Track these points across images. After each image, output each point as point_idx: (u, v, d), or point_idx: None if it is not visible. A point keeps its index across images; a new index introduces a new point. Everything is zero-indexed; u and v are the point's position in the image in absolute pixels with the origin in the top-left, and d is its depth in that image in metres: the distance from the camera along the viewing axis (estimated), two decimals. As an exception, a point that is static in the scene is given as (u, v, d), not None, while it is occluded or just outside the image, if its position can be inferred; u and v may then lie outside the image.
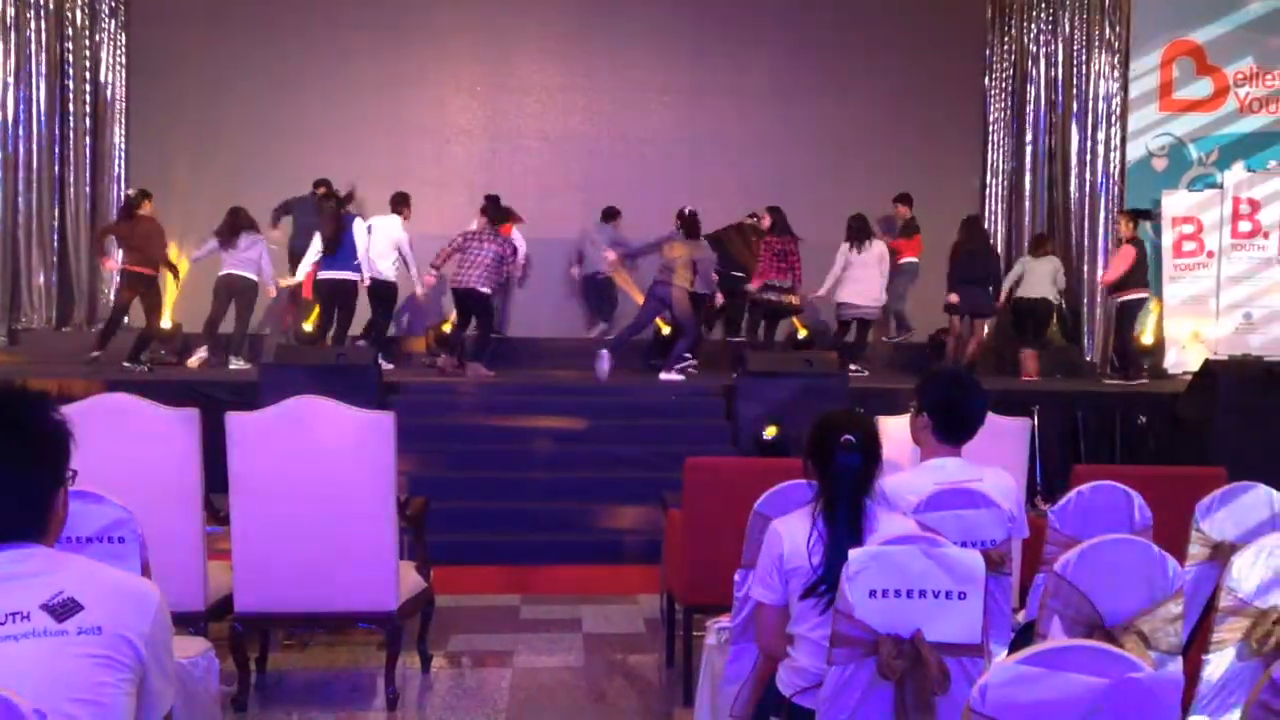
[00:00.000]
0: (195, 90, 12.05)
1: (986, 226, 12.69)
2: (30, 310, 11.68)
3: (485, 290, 9.81)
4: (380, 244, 9.96)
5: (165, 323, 10.55)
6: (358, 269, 9.71)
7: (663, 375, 9.72)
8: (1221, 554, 3.43)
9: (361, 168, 12.18)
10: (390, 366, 10.10)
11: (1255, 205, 12.01)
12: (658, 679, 5.12)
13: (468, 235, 9.95)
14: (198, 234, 10.88)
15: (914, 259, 11.59)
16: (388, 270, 10.00)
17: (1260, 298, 11.96)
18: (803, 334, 11.38)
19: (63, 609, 1.77)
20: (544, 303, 11.97)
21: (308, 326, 10.49)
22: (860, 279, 10.55)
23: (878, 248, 10.65)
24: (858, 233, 10.57)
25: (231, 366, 9.95)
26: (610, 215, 11.48)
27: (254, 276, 10.07)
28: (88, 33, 11.86)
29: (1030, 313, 10.98)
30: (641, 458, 8.11)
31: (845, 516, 2.82)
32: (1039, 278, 10.89)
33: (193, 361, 10.04)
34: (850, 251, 10.51)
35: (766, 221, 10.57)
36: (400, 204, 10.25)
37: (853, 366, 10.35)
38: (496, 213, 10.21)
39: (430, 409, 8.84)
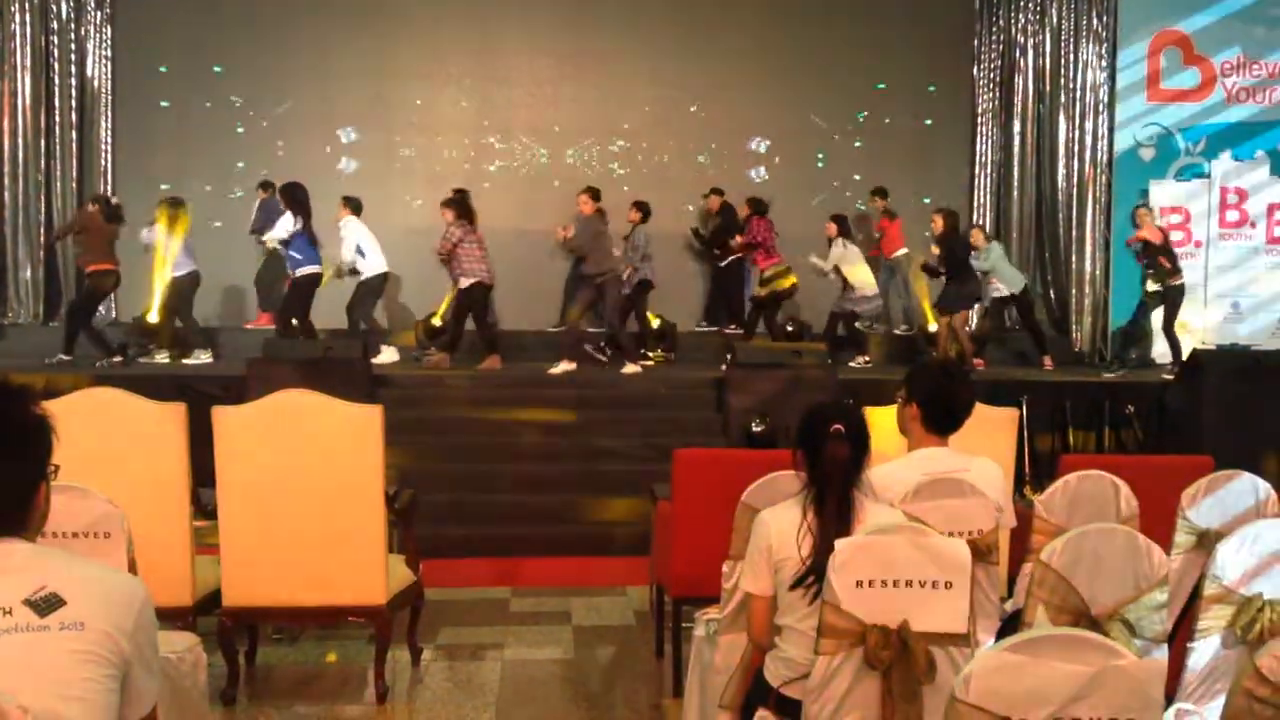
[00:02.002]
0: (181, 83, 12.00)
1: (974, 218, 12.78)
2: (17, 304, 11.63)
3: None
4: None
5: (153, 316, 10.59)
6: (294, 265, 9.74)
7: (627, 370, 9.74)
8: (1207, 542, 3.44)
9: (347, 159, 12.20)
10: (395, 358, 10.13)
11: (1243, 195, 12.03)
12: (647, 670, 5.13)
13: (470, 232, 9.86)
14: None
15: (904, 251, 11.69)
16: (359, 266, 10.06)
17: (1248, 287, 12.00)
18: (791, 327, 11.42)
19: (45, 604, 1.76)
20: (533, 295, 11.96)
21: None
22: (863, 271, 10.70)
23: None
24: (849, 230, 10.75)
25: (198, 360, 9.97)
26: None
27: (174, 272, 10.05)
28: (73, 25, 11.79)
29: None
30: (630, 450, 8.12)
31: (834, 507, 2.83)
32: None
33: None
34: (847, 247, 10.62)
35: (747, 210, 10.62)
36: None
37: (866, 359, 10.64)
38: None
39: (419, 402, 8.83)
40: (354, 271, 10.00)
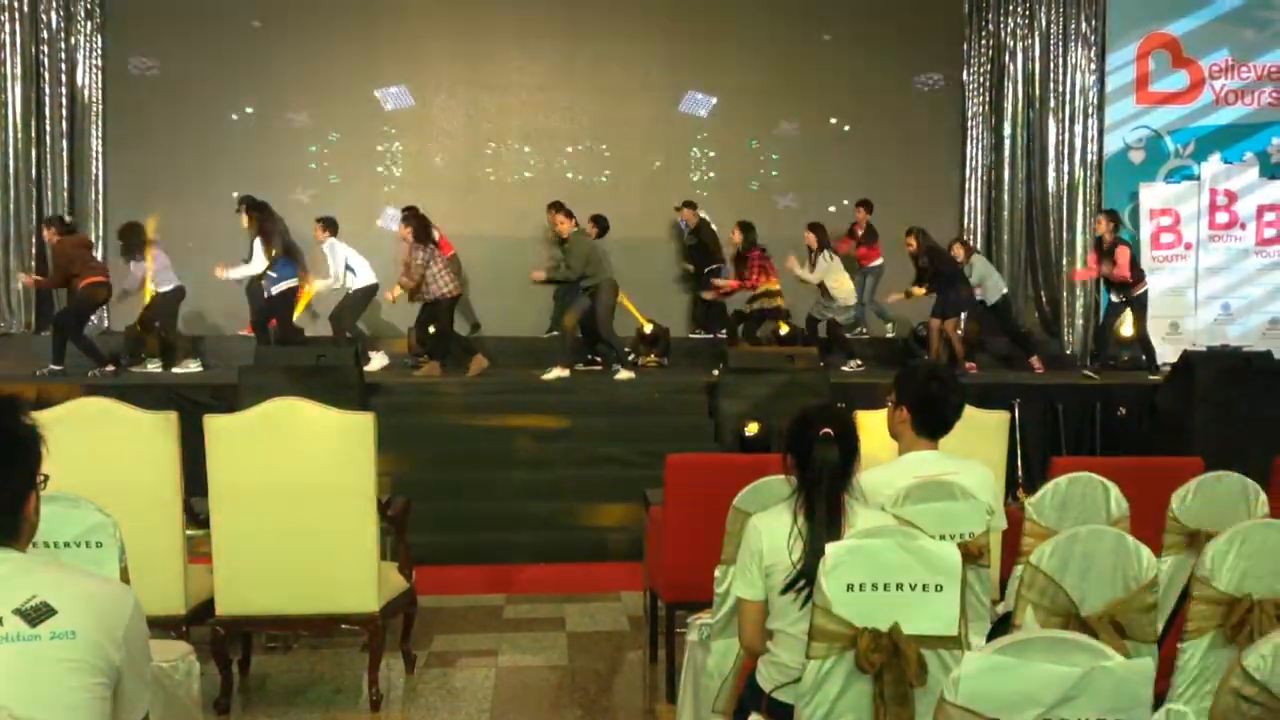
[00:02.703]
0: (171, 92, 11.99)
1: (965, 221, 12.82)
2: (9, 314, 11.62)
3: None
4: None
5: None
6: (271, 284, 9.86)
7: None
8: (1197, 543, 3.45)
9: (341, 170, 12.20)
10: (385, 363, 10.16)
11: (1232, 197, 12.08)
12: (641, 676, 5.13)
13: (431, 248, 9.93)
14: (173, 236, 10.84)
15: (880, 261, 11.79)
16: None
17: (1238, 289, 12.05)
18: (784, 330, 11.42)
19: (36, 614, 1.76)
20: (524, 302, 11.96)
21: None
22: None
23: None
24: (828, 240, 10.81)
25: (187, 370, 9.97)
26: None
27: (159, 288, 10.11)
28: (63, 35, 11.78)
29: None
30: (623, 455, 8.11)
31: (824, 511, 2.83)
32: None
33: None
34: (832, 259, 10.63)
35: (737, 236, 10.68)
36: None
37: (858, 363, 10.69)
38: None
39: (412, 409, 8.82)
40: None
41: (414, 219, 9.91)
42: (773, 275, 10.58)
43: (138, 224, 10.12)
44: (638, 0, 12.58)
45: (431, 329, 10.26)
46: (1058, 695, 1.88)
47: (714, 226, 11.62)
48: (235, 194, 10.61)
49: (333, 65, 12.20)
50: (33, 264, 11.62)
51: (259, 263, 9.82)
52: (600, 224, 11.06)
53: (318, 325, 10.32)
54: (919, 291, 10.74)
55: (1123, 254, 10.26)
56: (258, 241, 9.79)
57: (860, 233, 12.00)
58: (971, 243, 11.78)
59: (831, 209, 12.46)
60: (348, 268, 9.99)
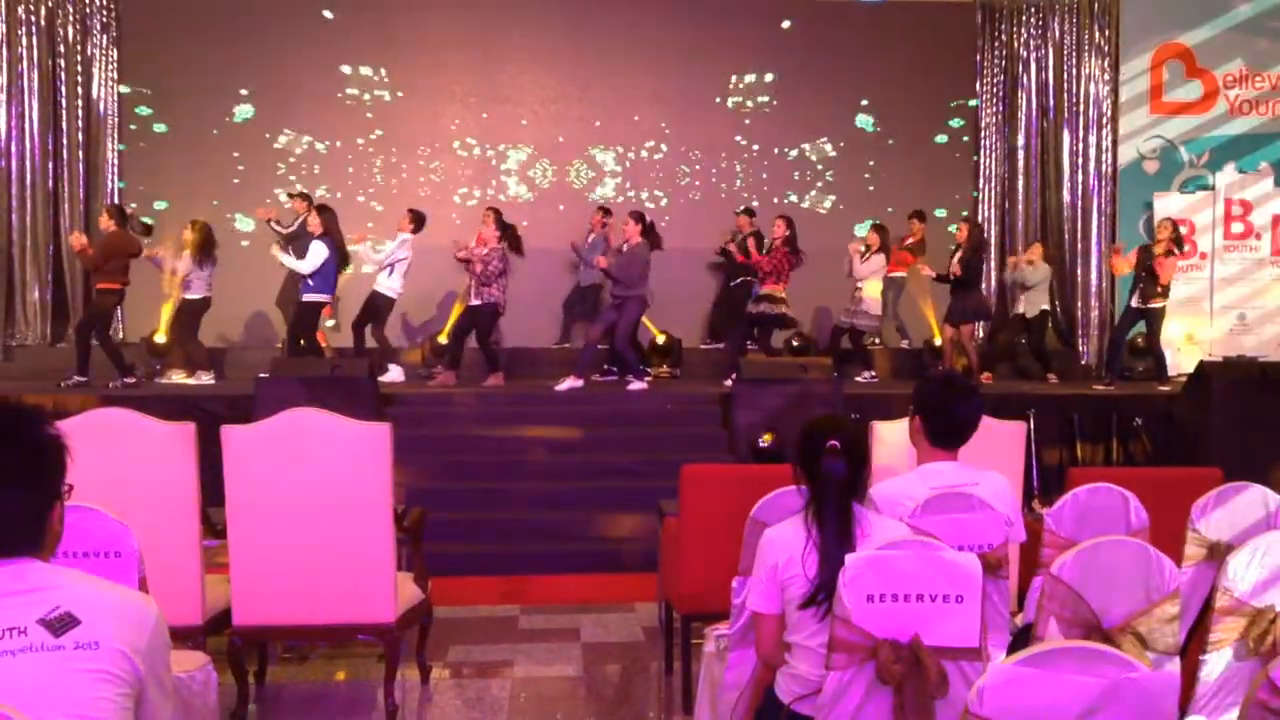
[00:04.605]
0: (187, 104, 12.06)
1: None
2: (25, 326, 11.68)
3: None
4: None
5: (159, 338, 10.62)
6: (305, 290, 9.75)
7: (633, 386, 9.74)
8: (1218, 554, 3.43)
9: (355, 179, 12.24)
10: (401, 378, 10.13)
11: (1247, 207, 12.05)
12: (657, 687, 5.12)
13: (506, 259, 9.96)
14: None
15: (903, 274, 11.70)
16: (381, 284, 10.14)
17: (1254, 299, 12.00)
18: (797, 341, 11.41)
19: (60, 624, 1.77)
20: (539, 313, 11.98)
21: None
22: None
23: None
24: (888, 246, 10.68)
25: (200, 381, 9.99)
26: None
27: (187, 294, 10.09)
28: (79, 48, 11.88)
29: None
30: (638, 466, 8.12)
31: (834, 521, 2.82)
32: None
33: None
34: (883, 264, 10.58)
35: (782, 229, 10.52)
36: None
37: (872, 374, 10.61)
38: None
39: (427, 420, 8.84)
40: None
41: (508, 230, 10.00)
42: (783, 282, 10.52)
43: (207, 225, 10.10)
44: (650, 12, 12.61)
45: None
46: (1083, 707, 1.87)
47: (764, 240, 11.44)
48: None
49: (347, 78, 12.26)
50: (49, 274, 11.69)
51: (312, 263, 9.59)
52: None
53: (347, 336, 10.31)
54: (925, 270, 10.75)
55: (1172, 262, 10.22)
56: (317, 243, 9.61)
57: (911, 242, 11.69)
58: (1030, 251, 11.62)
59: (841, 224, 12.45)
60: (389, 268, 10.00)
